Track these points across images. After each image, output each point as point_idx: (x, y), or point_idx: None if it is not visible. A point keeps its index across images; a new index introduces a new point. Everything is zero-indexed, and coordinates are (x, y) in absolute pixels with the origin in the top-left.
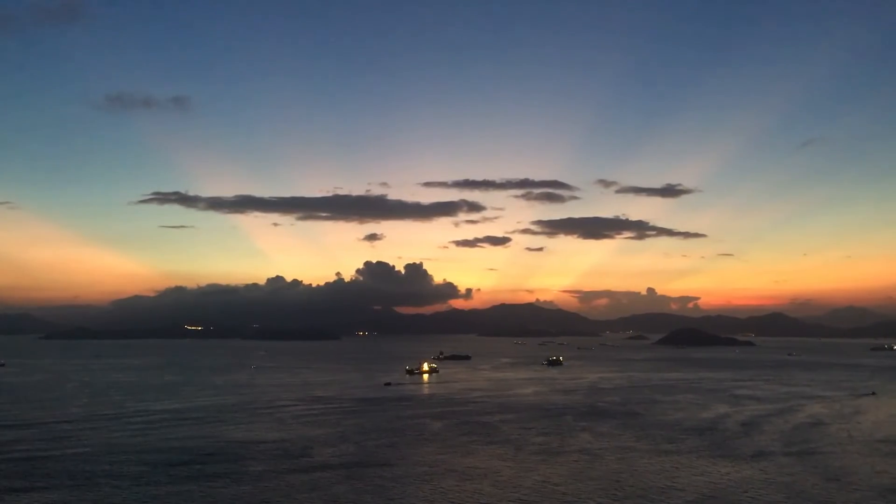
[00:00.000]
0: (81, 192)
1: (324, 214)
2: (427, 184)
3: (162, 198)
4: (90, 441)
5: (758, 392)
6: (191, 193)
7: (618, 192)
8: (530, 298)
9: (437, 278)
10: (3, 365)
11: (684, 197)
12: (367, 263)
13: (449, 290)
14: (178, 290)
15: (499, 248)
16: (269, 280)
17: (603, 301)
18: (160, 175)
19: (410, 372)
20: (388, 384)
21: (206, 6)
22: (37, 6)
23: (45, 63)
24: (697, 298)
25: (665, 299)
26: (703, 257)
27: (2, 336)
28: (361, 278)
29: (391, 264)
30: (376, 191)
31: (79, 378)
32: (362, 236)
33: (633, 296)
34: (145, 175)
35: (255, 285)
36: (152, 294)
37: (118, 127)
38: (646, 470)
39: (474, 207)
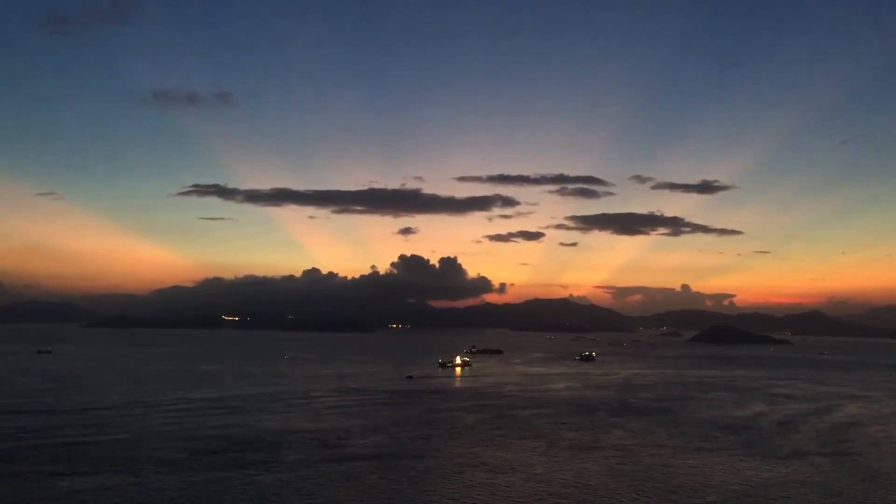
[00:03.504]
0: (124, 184)
1: (359, 208)
2: (461, 178)
3: (202, 190)
4: (131, 427)
5: (794, 391)
6: (229, 186)
7: (653, 187)
8: (563, 293)
9: (471, 272)
10: (49, 352)
11: (721, 193)
12: (402, 257)
13: (482, 284)
14: (216, 281)
15: (532, 243)
16: (304, 272)
17: (637, 297)
18: (200, 168)
19: (443, 365)
20: (409, 377)
21: (249, 7)
22: (89, 6)
23: (94, 60)
24: (733, 296)
25: (700, 296)
26: (739, 254)
27: (45, 323)
28: (396, 271)
29: (426, 258)
30: (411, 185)
31: (119, 366)
32: (397, 230)
33: (667, 292)
34: (186, 168)
35: (291, 277)
36: (191, 284)
37: (162, 121)
38: (679, 467)
39: (508, 202)
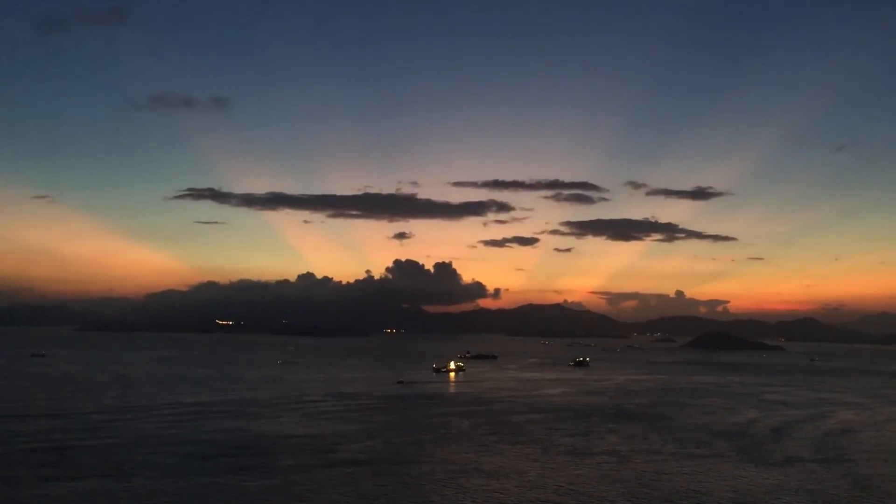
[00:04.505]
0: (119, 187)
1: (354, 212)
2: (457, 183)
3: (196, 194)
4: (123, 432)
5: (787, 397)
6: (224, 190)
7: (648, 194)
8: (558, 299)
9: (466, 277)
10: (43, 355)
11: (715, 200)
12: (397, 261)
13: (477, 289)
14: (210, 285)
15: (527, 249)
16: (299, 276)
17: (631, 303)
18: (195, 172)
19: (437, 370)
20: (400, 382)
21: (246, 12)
22: (86, 10)
23: (91, 64)
24: (727, 302)
25: (694, 302)
26: (733, 261)
27: (39, 327)
28: (391, 276)
29: (420, 263)
30: (406, 190)
31: (113, 370)
32: (392, 234)
33: (661, 298)
34: (181, 172)
35: (285, 281)
36: (185, 288)
37: (158, 126)
38: (673, 473)
39: (503, 207)
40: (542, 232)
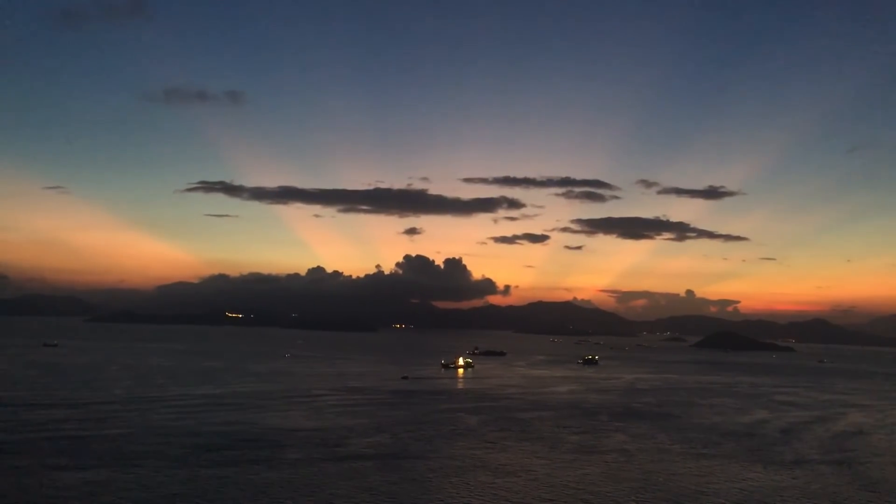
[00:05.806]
0: (131, 179)
1: (365, 207)
2: (467, 179)
3: (208, 187)
4: (133, 422)
5: (797, 398)
6: (236, 183)
7: (659, 192)
8: (568, 297)
9: (476, 274)
10: (55, 345)
11: (727, 199)
12: (407, 257)
13: (487, 285)
14: (221, 278)
15: (537, 246)
16: (309, 270)
17: (641, 302)
18: (207, 165)
19: (446, 366)
20: (405, 378)
21: (261, 7)
22: (102, 3)
23: (105, 57)
24: (737, 302)
25: (704, 302)
26: (744, 261)
27: (50, 317)
28: (401, 272)
29: (430, 258)
30: (417, 185)
31: (123, 360)
32: (402, 230)
33: (671, 297)
34: (193, 165)
35: (295, 275)
36: (195, 281)
37: (171, 119)
38: (681, 473)
39: (514, 204)
40: (553, 229)
